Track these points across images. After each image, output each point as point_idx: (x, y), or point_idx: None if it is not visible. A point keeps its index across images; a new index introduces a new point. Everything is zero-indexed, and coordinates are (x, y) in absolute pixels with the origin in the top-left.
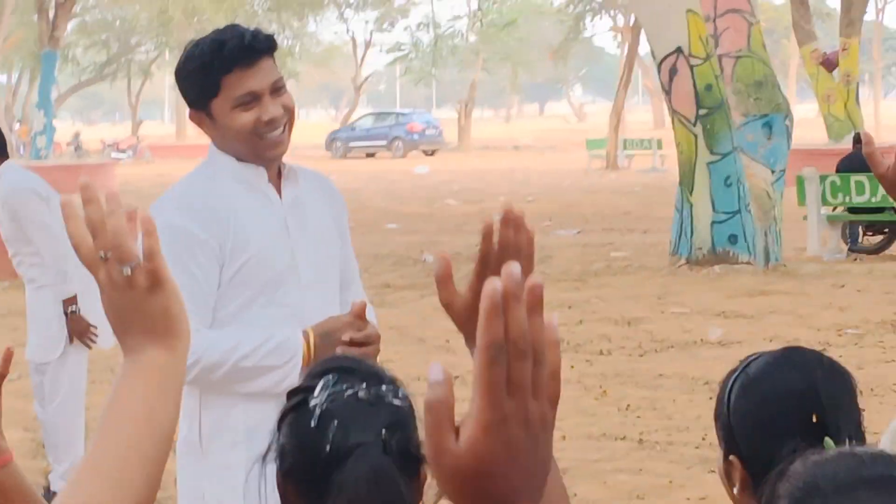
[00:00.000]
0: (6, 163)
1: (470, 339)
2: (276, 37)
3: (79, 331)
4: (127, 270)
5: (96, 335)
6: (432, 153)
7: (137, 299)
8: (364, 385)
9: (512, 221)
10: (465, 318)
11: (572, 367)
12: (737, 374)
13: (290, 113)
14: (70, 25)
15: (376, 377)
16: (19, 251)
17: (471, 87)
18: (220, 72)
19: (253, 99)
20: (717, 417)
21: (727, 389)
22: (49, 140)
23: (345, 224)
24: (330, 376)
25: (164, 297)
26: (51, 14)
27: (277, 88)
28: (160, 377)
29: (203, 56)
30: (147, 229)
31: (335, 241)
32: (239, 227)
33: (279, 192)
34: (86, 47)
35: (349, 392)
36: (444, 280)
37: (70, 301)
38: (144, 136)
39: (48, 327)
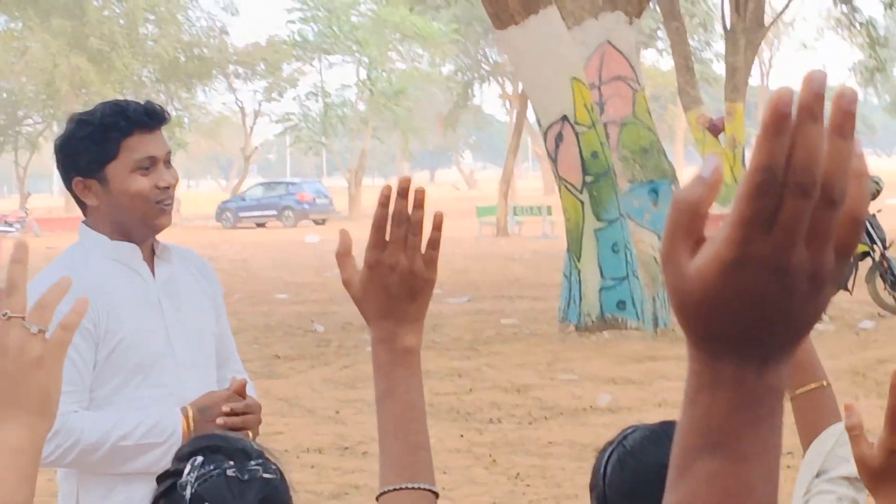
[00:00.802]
0: None
1: (369, 319)
2: (164, 108)
3: None
4: (34, 329)
5: None
6: (323, 222)
7: (21, 368)
8: (231, 462)
9: (406, 194)
10: (362, 297)
11: (462, 435)
12: (613, 446)
13: (174, 187)
14: None
15: (243, 453)
16: None
17: (361, 155)
18: (121, 135)
19: (151, 164)
20: (592, 488)
21: (604, 461)
22: None
23: (220, 302)
24: (197, 457)
25: (49, 374)
26: None
27: (168, 161)
28: (16, 459)
29: (104, 119)
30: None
31: (210, 318)
32: (111, 308)
33: (152, 270)
34: None
35: (217, 471)
36: (344, 256)
37: None
38: (33, 208)
39: None
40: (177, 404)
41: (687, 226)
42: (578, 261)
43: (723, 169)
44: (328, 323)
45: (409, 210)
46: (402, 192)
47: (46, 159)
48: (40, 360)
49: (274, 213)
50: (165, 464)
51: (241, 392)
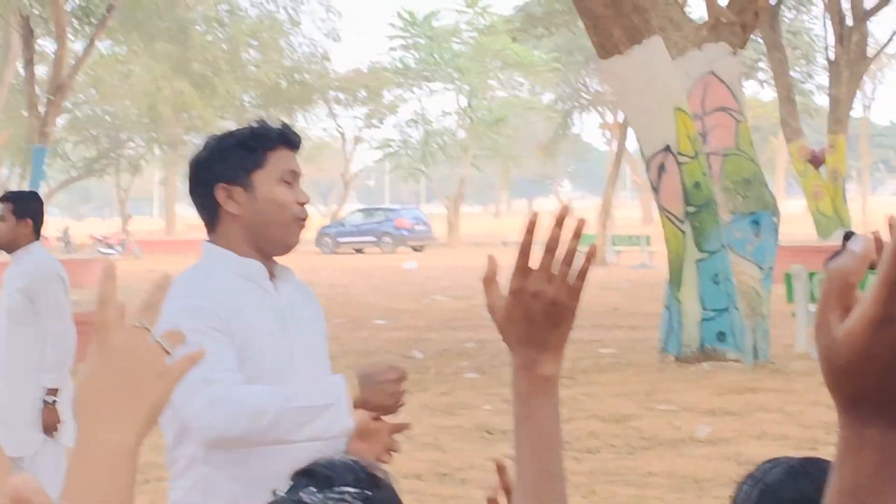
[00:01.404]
0: (36, 243)
1: (511, 345)
2: None
3: (51, 424)
4: (169, 347)
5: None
6: (421, 249)
7: (147, 377)
8: (313, 488)
9: (562, 223)
10: (505, 323)
11: None
12: (754, 481)
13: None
14: (60, 121)
15: (328, 479)
16: (15, 331)
17: (460, 182)
18: (269, 146)
19: (293, 179)
20: None
21: (742, 495)
22: None
23: (323, 326)
24: (284, 485)
25: (167, 390)
26: (41, 110)
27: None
28: (128, 463)
29: (254, 130)
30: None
31: (323, 341)
32: (243, 321)
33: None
34: (75, 143)
35: (294, 499)
36: (490, 281)
37: (54, 391)
38: (134, 231)
39: (23, 419)
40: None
41: (838, 293)
42: (679, 291)
43: (872, 245)
44: (426, 349)
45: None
46: (559, 221)
47: (147, 182)
48: (163, 374)
49: (373, 238)
50: (341, 427)
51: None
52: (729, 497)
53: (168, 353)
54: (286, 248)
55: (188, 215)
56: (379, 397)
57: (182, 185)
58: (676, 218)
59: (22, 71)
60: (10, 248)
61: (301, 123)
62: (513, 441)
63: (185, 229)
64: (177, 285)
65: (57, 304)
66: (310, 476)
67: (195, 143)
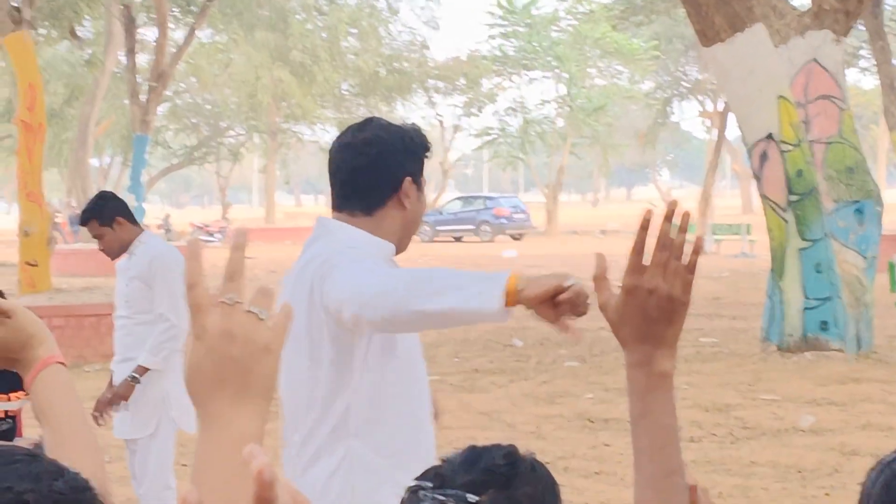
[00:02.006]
0: (146, 232)
1: (625, 343)
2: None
3: (121, 398)
4: (263, 314)
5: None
6: (519, 237)
7: (251, 354)
8: (430, 484)
9: (671, 217)
10: (619, 321)
11: None
12: (882, 467)
13: None
14: (161, 110)
15: (441, 477)
16: (135, 318)
17: (558, 171)
18: (427, 154)
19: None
20: None
21: (871, 483)
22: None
23: None
24: (427, 482)
25: (276, 359)
26: (143, 98)
27: None
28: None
29: (422, 136)
30: (283, 310)
31: None
32: None
33: None
34: (176, 131)
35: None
36: (601, 279)
37: (144, 370)
38: (233, 219)
39: (146, 403)
40: (425, 397)
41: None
42: (781, 280)
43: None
44: (527, 338)
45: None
46: (668, 216)
47: (247, 171)
48: (268, 346)
49: (471, 227)
50: (495, 300)
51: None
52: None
53: (262, 319)
54: (407, 242)
55: (287, 204)
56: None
57: (281, 173)
58: (779, 206)
59: (124, 59)
60: (125, 248)
61: (400, 112)
62: (613, 430)
63: (283, 217)
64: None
65: (171, 290)
66: (433, 476)
67: (294, 131)
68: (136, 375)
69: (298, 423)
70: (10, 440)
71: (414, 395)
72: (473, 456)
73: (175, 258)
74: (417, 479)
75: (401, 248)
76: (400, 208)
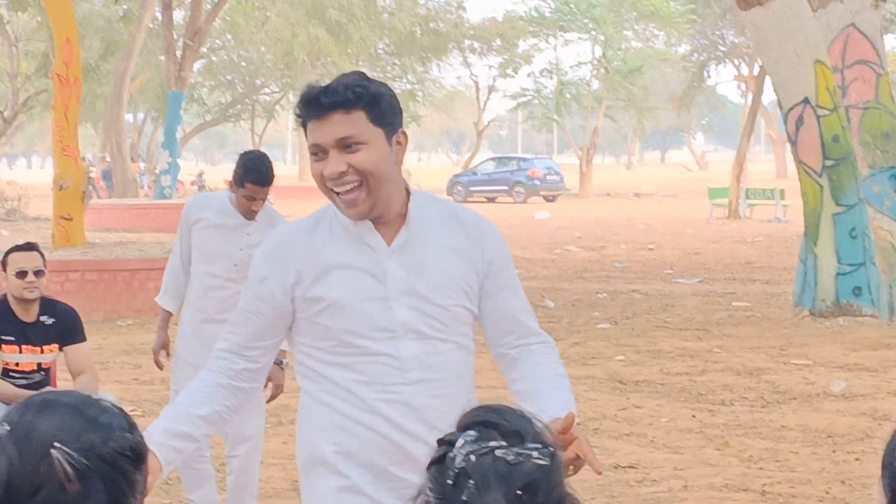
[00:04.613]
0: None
1: None
2: (398, 81)
3: (278, 387)
4: None
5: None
6: (553, 199)
7: None
8: (504, 442)
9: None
10: None
11: (694, 416)
12: None
13: (360, 172)
14: (196, 66)
15: (518, 434)
16: (241, 282)
17: (593, 133)
18: (304, 121)
19: (319, 151)
20: (884, 466)
21: (893, 442)
22: (174, 179)
23: (491, 260)
24: (471, 432)
25: None
26: (178, 55)
27: (347, 146)
28: None
29: (295, 108)
30: None
31: (454, 280)
32: (320, 273)
33: (393, 236)
34: (211, 88)
35: (486, 450)
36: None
37: (284, 353)
38: None
39: None
40: (395, 369)
41: None
42: (815, 245)
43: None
44: (558, 299)
45: None
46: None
47: (281, 128)
48: None
49: (504, 188)
50: None
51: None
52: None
53: None
54: (346, 212)
55: None
56: None
57: None
58: (814, 171)
59: (160, 15)
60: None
61: (435, 72)
62: (644, 392)
63: None
64: (287, 226)
65: None
66: (495, 428)
67: None
68: (284, 360)
69: None
70: None
71: (351, 374)
72: (520, 413)
73: None
74: (474, 439)
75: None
76: None
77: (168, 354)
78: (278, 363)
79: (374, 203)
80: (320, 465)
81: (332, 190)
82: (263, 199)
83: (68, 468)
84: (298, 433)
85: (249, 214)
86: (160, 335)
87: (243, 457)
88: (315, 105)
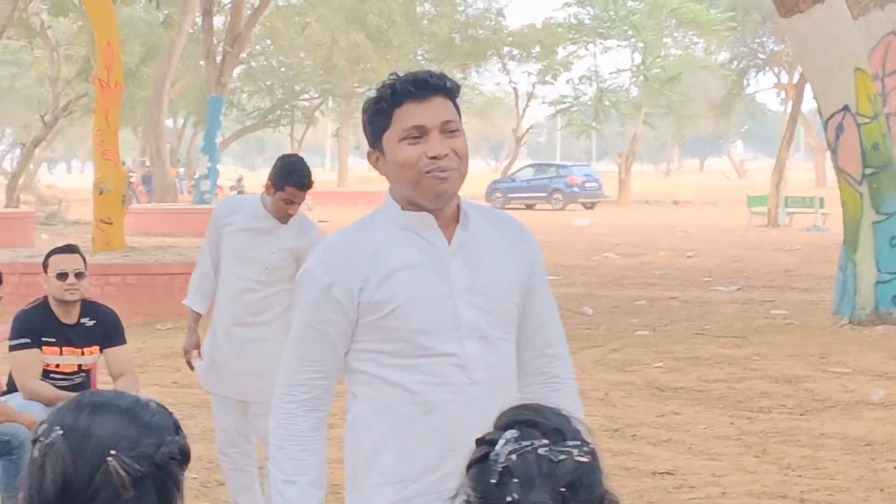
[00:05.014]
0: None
1: None
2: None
3: None
4: None
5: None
6: (592, 206)
7: None
8: (546, 441)
9: None
10: None
11: (732, 423)
12: None
13: (459, 158)
14: (236, 72)
15: (558, 432)
16: (275, 289)
17: (632, 140)
18: (392, 105)
19: (421, 133)
20: None
21: None
22: (213, 184)
23: (537, 271)
24: (513, 430)
25: None
26: (218, 60)
27: (450, 130)
28: None
29: (379, 90)
30: None
31: (512, 285)
32: (385, 276)
33: (451, 236)
34: (250, 93)
35: (529, 448)
36: None
37: None
38: None
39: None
40: (461, 369)
41: None
42: (854, 253)
43: None
44: (597, 306)
45: None
46: None
47: (321, 134)
48: None
49: (543, 194)
50: None
51: None
52: None
53: None
54: (430, 202)
55: (360, 168)
56: None
57: (354, 137)
58: (854, 179)
59: (200, 21)
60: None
61: (474, 79)
62: (682, 398)
63: (356, 181)
64: (341, 232)
65: None
66: (535, 427)
67: (369, 95)
68: None
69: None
70: None
71: (417, 375)
72: (557, 411)
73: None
74: (513, 438)
75: (421, 207)
76: (386, 171)
77: (199, 355)
78: None
79: (457, 191)
80: (377, 473)
81: (426, 173)
82: (300, 203)
83: (124, 475)
84: (354, 440)
85: (285, 218)
86: (191, 336)
87: None
88: (422, 85)
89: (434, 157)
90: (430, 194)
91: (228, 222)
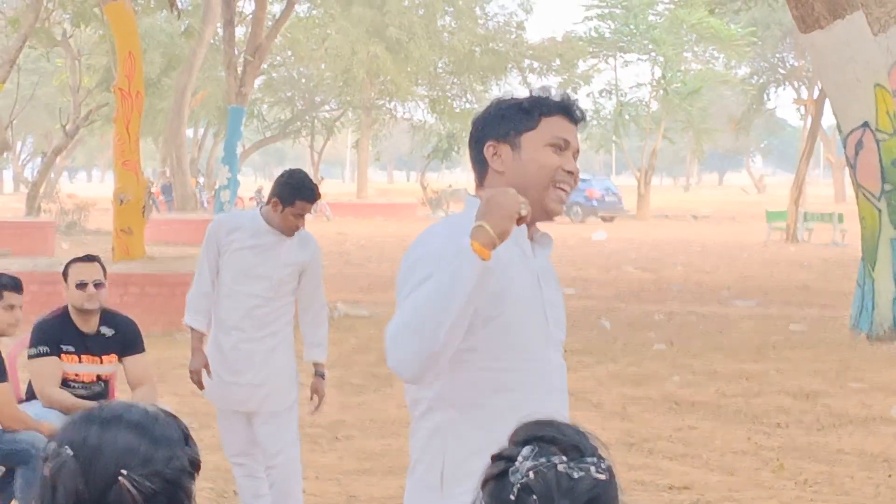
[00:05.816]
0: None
1: None
2: (457, 100)
3: (321, 394)
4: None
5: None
6: (611, 220)
7: None
8: (564, 458)
9: None
10: None
11: (749, 438)
12: None
13: (577, 181)
14: (257, 82)
15: (577, 449)
16: (281, 302)
17: (651, 154)
18: (543, 111)
19: (564, 147)
20: None
21: None
22: (233, 194)
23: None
24: (531, 447)
25: None
26: (239, 70)
27: (576, 153)
28: None
29: (534, 94)
30: None
31: (562, 299)
32: (499, 275)
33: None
34: (271, 104)
35: (548, 465)
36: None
37: (322, 365)
38: (325, 193)
39: (282, 375)
40: (541, 378)
41: None
42: (873, 269)
43: None
44: (615, 320)
45: None
46: None
47: (340, 146)
48: None
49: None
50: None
51: None
52: None
53: None
54: (544, 212)
55: (378, 180)
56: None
57: (373, 149)
58: (873, 195)
59: (221, 31)
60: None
61: (494, 91)
62: (699, 413)
63: (375, 193)
64: (428, 232)
65: (318, 282)
66: (553, 443)
67: (388, 107)
68: (321, 372)
69: (408, 385)
70: None
71: (520, 377)
72: (574, 427)
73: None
74: (532, 455)
75: (536, 200)
76: (497, 174)
77: (209, 374)
78: (320, 375)
79: None
80: (468, 480)
81: (557, 182)
82: (304, 216)
83: (136, 494)
84: (441, 448)
85: (292, 232)
86: (198, 356)
87: (282, 464)
88: (575, 110)
89: (570, 172)
90: (552, 202)
91: (231, 240)
